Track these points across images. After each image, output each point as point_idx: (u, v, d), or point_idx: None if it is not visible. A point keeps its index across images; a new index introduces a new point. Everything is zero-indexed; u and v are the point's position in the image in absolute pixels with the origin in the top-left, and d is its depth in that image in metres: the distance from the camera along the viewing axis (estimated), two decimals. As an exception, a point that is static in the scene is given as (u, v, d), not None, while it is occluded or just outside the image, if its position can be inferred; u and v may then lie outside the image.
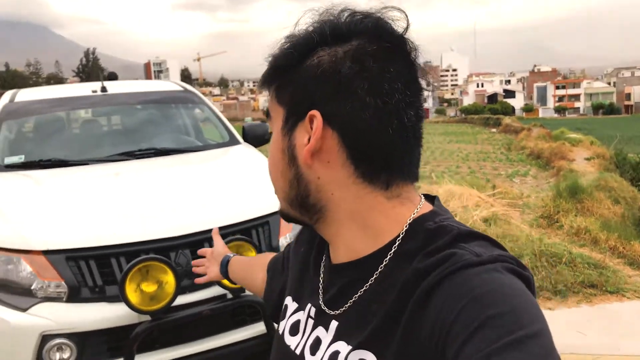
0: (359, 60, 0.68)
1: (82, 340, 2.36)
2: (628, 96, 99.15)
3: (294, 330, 0.82)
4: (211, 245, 2.52)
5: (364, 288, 0.72)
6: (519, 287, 0.60)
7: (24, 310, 2.34)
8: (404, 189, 0.73)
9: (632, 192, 8.87)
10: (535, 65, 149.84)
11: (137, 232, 2.52)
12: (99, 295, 2.41)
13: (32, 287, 2.37)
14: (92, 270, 2.42)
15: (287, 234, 2.85)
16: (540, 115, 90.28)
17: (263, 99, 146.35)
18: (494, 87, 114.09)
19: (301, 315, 0.82)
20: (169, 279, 2.34)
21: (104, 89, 4.17)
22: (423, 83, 0.74)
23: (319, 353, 0.74)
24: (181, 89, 4.59)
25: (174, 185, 3.07)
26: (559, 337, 0.59)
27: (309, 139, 0.70)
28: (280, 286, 1.00)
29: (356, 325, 0.70)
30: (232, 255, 1.37)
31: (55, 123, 3.99)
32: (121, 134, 4.07)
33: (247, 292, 2.56)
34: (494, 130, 35.89)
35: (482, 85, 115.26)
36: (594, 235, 5.84)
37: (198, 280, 1.53)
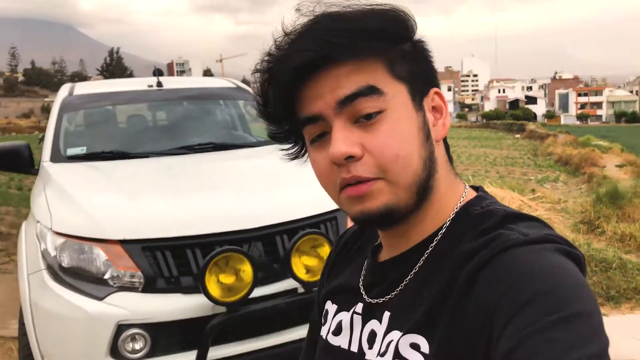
0: (430, 53, 0.74)
1: (156, 331, 2.35)
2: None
3: (338, 330, 0.80)
4: (282, 239, 2.53)
5: (412, 273, 0.71)
6: (569, 267, 0.58)
7: (101, 299, 2.34)
8: (453, 169, 0.77)
9: (671, 200, 8.69)
10: (556, 72, 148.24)
11: (212, 223, 2.51)
12: (174, 286, 2.40)
13: (107, 277, 2.37)
14: (168, 261, 2.41)
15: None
16: (562, 122, 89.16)
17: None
18: (516, 93, 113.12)
19: (344, 316, 0.80)
20: (247, 270, 2.33)
21: (159, 84, 4.19)
22: None
23: (376, 345, 0.72)
24: (233, 85, 4.60)
25: (242, 179, 3.06)
26: (614, 343, 0.54)
27: (432, 116, 0.72)
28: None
29: (407, 311, 0.69)
30: None
31: (113, 116, 4.03)
32: (178, 128, 4.08)
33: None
34: (517, 136, 35.50)
35: (504, 91, 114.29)
36: (639, 241, 5.72)
37: None
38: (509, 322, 0.54)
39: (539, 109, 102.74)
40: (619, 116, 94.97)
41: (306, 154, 0.78)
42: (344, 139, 0.65)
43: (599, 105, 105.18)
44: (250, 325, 2.48)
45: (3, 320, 4.03)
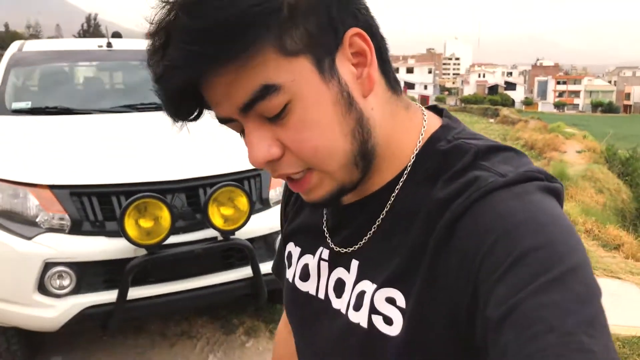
0: None
1: (81, 269, 2.55)
2: (628, 96, 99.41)
3: (305, 275, 0.76)
4: (206, 192, 2.72)
5: (378, 221, 0.66)
6: (554, 211, 0.54)
7: (29, 239, 2.52)
8: (406, 98, 0.68)
9: (617, 185, 9.11)
10: (538, 59, 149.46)
11: (138, 173, 2.70)
12: (99, 230, 2.60)
13: (36, 219, 2.55)
14: (94, 206, 2.60)
15: (277, 187, 3.04)
16: (540, 109, 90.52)
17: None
18: (496, 78, 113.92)
19: (309, 259, 0.76)
20: (165, 216, 2.53)
21: (109, 45, 4.31)
22: None
23: (345, 295, 0.68)
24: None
25: (175, 136, 3.23)
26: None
27: (354, 66, 0.60)
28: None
29: (379, 261, 0.64)
30: None
31: (60, 74, 4.14)
32: (124, 88, 4.22)
33: (237, 236, 2.76)
34: (491, 120, 36.06)
35: (484, 76, 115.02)
36: (572, 218, 6.05)
37: None
38: (497, 283, 0.50)
39: (518, 95, 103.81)
40: (596, 106, 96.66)
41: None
42: (258, 142, 0.59)
43: (576, 94, 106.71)
44: (170, 268, 2.70)
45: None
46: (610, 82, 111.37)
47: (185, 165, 2.82)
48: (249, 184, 2.94)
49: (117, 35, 5.91)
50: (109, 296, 2.56)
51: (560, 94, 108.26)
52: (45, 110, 3.56)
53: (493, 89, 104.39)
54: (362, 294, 0.65)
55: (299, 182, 0.63)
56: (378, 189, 0.67)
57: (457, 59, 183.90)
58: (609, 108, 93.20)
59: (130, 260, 2.54)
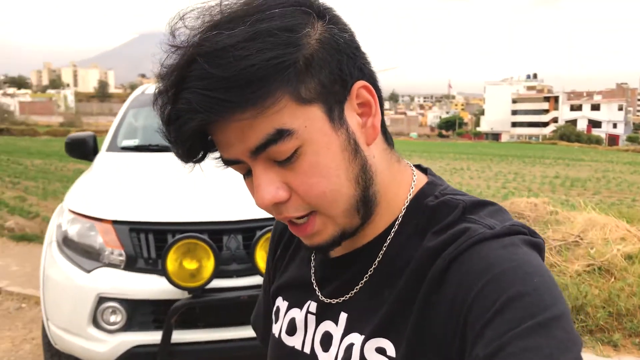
0: (347, 27, 0.65)
1: (132, 307, 2.52)
2: None
3: (292, 329, 0.77)
4: (256, 234, 2.55)
5: (369, 273, 0.68)
6: (538, 262, 0.57)
7: (88, 272, 2.57)
8: (396, 152, 0.72)
9: None
10: None
11: (194, 212, 2.64)
12: (151, 268, 2.56)
13: (97, 252, 2.60)
14: (149, 243, 2.58)
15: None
16: None
17: (432, 115, 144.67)
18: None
19: (297, 313, 0.77)
20: (209, 258, 2.40)
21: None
22: None
23: (333, 348, 0.69)
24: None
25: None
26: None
27: (359, 116, 0.64)
28: (266, 306, 0.92)
29: (368, 313, 0.66)
30: None
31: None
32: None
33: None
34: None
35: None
36: None
37: None
38: (485, 327, 0.52)
39: None
40: None
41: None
42: (267, 185, 0.60)
43: None
44: (217, 313, 2.55)
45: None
46: None
47: (244, 206, 2.69)
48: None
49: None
50: (158, 337, 2.49)
51: None
52: (149, 148, 3.74)
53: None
54: (350, 347, 0.66)
55: (302, 227, 0.64)
56: (368, 241, 0.69)
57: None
58: None
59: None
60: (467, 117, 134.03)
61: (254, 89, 0.54)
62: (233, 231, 2.60)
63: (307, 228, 0.64)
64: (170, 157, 3.06)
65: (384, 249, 0.67)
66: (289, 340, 0.77)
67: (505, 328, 0.51)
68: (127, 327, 2.52)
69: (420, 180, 0.71)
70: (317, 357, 0.71)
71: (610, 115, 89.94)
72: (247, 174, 0.64)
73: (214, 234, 2.59)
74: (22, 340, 3.71)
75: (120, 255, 2.58)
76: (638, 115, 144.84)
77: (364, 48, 0.66)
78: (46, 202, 9.69)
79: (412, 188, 0.69)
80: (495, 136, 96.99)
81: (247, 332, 2.55)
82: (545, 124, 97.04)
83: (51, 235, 2.89)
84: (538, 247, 0.60)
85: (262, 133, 0.57)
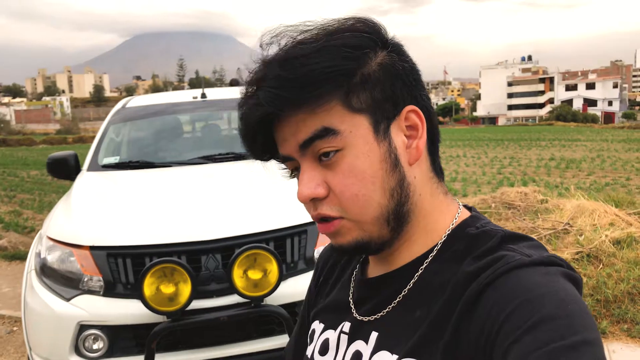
0: (408, 59, 0.71)
1: (113, 333, 2.52)
2: None
3: (324, 349, 0.79)
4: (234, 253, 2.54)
5: (403, 293, 0.70)
6: (574, 292, 0.58)
7: (67, 300, 2.57)
8: (444, 186, 0.75)
9: None
10: None
11: (171, 234, 2.62)
12: (131, 292, 2.55)
13: (76, 279, 2.59)
14: (127, 268, 2.57)
15: (325, 244, 2.75)
16: None
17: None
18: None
19: (331, 334, 0.79)
20: (186, 282, 2.40)
21: (203, 96, 4.43)
22: None
23: None
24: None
25: (223, 191, 3.15)
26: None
27: (406, 137, 0.69)
28: (297, 335, 0.95)
29: (400, 333, 0.68)
30: None
31: (150, 127, 4.33)
32: (207, 138, 4.29)
33: (268, 302, 2.53)
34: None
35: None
36: None
37: None
38: (513, 343, 0.54)
39: None
40: None
41: None
42: (308, 181, 0.67)
43: None
44: (201, 335, 2.55)
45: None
46: None
47: (221, 224, 2.68)
48: (291, 242, 2.70)
49: (235, 83, 6.14)
50: (142, 362, 2.49)
51: None
52: (129, 165, 3.72)
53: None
54: None
55: (327, 224, 0.69)
56: (406, 263, 0.72)
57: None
58: None
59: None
60: (463, 103, 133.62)
61: (310, 90, 0.63)
62: (211, 250, 2.59)
63: (330, 226, 0.69)
64: (150, 174, 3.06)
65: (420, 271, 0.69)
66: None
67: (533, 347, 0.52)
68: (110, 353, 2.52)
69: (465, 214, 0.74)
70: None
71: (605, 93, 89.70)
72: (293, 172, 0.73)
73: (192, 254, 2.58)
74: (15, 364, 3.71)
75: (99, 281, 2.58)
76: (634, 92, 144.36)
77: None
78: (42, 216, 9.69)
79: (456, 219, 0.72)
80: (492, 120, 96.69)
81: (229, 350, 2.56)
82: (541, 105, 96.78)
83: (30, 263, 2.89)
84: (575, 281, 0.61)
85: (311, 129, 0.65)
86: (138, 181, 3.44)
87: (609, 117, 78.43)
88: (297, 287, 2.62)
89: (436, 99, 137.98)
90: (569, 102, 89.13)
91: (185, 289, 2.40)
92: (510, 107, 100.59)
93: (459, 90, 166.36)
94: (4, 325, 4.28)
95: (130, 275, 2.56)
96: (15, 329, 4.20)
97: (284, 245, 2.68)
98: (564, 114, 71.58)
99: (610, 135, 35.01)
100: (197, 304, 2.48)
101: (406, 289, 0.70)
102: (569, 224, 5.52)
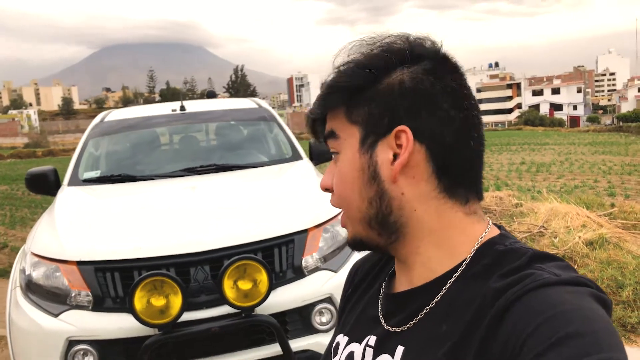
0: (440, 78, 0.72)
1: (103, 347, 2.51)
2: None
3: None
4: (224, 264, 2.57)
5: (430, 306, 0.71)
6: (601, 313, 0.58)
7: (55, 316, 2.55)
8: (477, 206, 0.76)
9: None
10: None
11: (159, 247, 2.63)
12: (120, 306, 2.55)
13: (63, 295, 2.58)
14: (116, 282, 2.57)
15: (312, 253, 2.80)
16: None
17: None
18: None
19: (356, 347, 0.81)
20: (177, 295, 2.41)
21: (182, 108, 4.44)
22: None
23: None
24: (256, 106, 4.74)
25: (208, 203, 3.17)
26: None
27: (394, 155, 0.72)
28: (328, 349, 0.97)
29: (426, 347, 0.69)
30: None
31: (131, 141, 4.33)
32: (188, 151, 4.30)
33: (264, 310, 2.56)
34: (651, 140, 32.04)
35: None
36: None
37: None
38: (538, 357, 0.54)
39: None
40: None
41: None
42: (326, 173, 0.80)
43: None
44: (193, 347, 2.56)
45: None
46: None
47: (208, 236, 2.70)
48: (279, 252, 2.74)
49: (211, 94, 6.13)
50: (132, 375, 2.48)
51: None
52: (111, 179, 3.70)
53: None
54: None
55: (341, 216, 0.80)
56: (433, 278, 0.73)
57: (612, 74, 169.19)
58: None
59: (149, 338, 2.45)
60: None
61: (328, 99, 0.76)
62: (200, 262, 2.61)
63: (341, 219, 0.80)
64: (133, 187, 3.07)
65: (448, 284, 0.71)
66: None
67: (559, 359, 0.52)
68: (100, 368, 2.51)
69: (493, 232, 0.75)
70: None
71: (570, 98, 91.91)
72: None
73: (181, 266, 2.59)
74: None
75: (87, 295, 2.57)
76: (596, 96, 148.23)
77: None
78: (14, 231, 9.49)
79: (482, 237, 0.73)
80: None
81: (221, 361, 2.57)
82: (510, 111, 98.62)
83: (15, 280, 2.86)
84: (604, 303, 0.61)
85: (328, 128, 0.78)
86: (122, 195, 3.43)
87: (574, 121, 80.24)
88: (286, 297, 2.66)
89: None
90: (536, 107, 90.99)
91: (176, 301, 2.41)
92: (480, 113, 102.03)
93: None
94: (-16, 345, 4.18)
95: (119, 289, 2.56)
96: (-5, 348, 4.11)
97: (272, 255, 2.72)
98: (532, 118, 73.00)
99: (576, 138, 35.86)
100: (187, 316, 2.50)
101: (433, 303, 0.71)
102: (543, 226, 5.68)
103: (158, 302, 2.41)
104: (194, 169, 3.78)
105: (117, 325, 2.50)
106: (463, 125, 0.72)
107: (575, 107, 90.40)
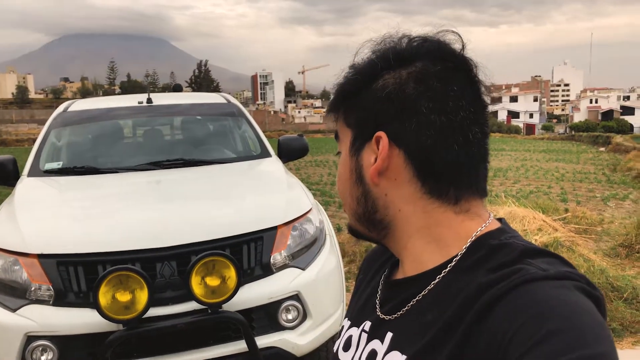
0: (422, 81, 0.72)
1: (64, 343, 2.44)
2: None
3: (347, 345, 0.84)
4: (191, 260, 2.54)
5: (418, 297, 0.73)
6: (588, 306, 0.58)
7: (13, 310, 2.47)
8: (473, 204, 0.76)
9: None
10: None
11: (125, 241, 2.58)
12: (82, 301, 2.49)
13: (23, 289, 2.50)
14: (79, 276, 2.51)
15: (281, 250, 2.80)
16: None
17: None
18: (610, 103, 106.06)
19: (354, 331, 0.84)
20: (143, 290, 2.37)
21: (149, 101, 4.35)
22: (487, 100, 0.78)
23: None
24: (224, 101, 4.69)
25: (175, 197, 3.12)
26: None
27: (375, 159, 0.74)
28: None
29: (411, 335, 0.71)
30: None
31: (95, 132, 4.22)
32: (155, 144, 4.23)
33: (231, 306, 2.54)
34: (602, 149, 33.30)
35: (596, 101, 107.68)
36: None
37: None
38: (524, 355, 0.54)
39: (637, 120, 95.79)
40: None
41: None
42: (339, 167, 0.83)
43: None
44: (157, 343, 2.52)
45: None
46: None
47: (176, 231, 2.66)
48: (247, 249, 2.73)
49: (178, 88, 6.04)
50: (94, 372, 2.43)
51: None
52: (74, 170, 3.60)
53: (607, 114, 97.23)
54: None
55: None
56: (424, 271, 0.74)
57: (567, 85, 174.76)
58: None
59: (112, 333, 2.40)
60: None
61: (331, 103, 0.81)
62: (166, 258, 2.57)
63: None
64: (97, 180, 3.01)
65: (438, 278, 0.72)
66: (342, 356, 0.84)
67: (543, 359, 0.52)
68: (60, 364, 2.44)
69: (492, 226, 0.75)
70: None
71: (527, 106, 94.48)
72: None
73: (146, 262, 2.55)
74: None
75: (49, 290, 2.50)
76: (551, 106, 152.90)
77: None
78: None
79: (478, 232, 0.73)
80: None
81: (186, 357, 2.55)
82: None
83: (-29, 272, 2.75)
84: (594, 298, 0.61)
85: (336, 130, 0.82)
86: (85, 187, 3.34)
87: (530, 129, 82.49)
88: (253, 293, 2.65)
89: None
90: (495, 113, 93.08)
91: (142, 297, 2.37)
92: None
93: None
94: None
95: (82, 284, 2.50)
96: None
97: (240, 252, 2.70)
98: (489, 125, 74.68)
99: (532, 145, 36.87)
100: (153, 312, 2.46)
101: (421, 294, 0.73)
102: (502, 229, 5.81)
103: (123, 297, 2.37)
104: (160, 162, 3.71)
105: (80, 320, 2.45)
106: (445, 129, 0.71)
107: (531, 116, 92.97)
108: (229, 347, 2.60)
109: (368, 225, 0.79)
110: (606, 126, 75.79)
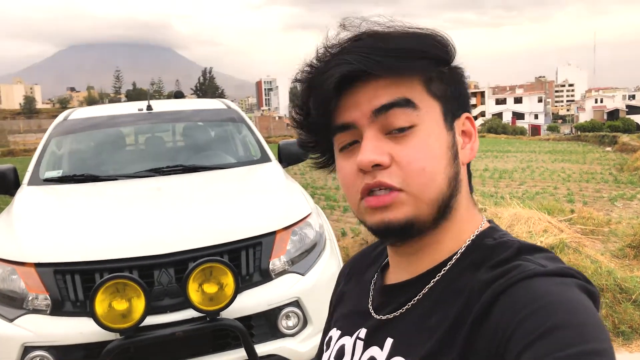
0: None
1: (62, 353, 2.42)
2: None
3: (339, 356, 0.80)
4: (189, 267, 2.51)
5: (418, 297, 0.71)
6: (587, 304, 0.58)
7: (10, 320, 2.45)
8: (473, 201, 0.77)
9: None
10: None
11: (122, 249, 2.56)
12: (80, 310, 2.47)
13: (20, 299, 2.48)
14: (76, 285, 2.48)
15: (280, 255, 2.77)
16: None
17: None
18: (616, 102, 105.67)
19: (347, 340, 0.80)
20: (140, 298, 2.34)
21: (149, 108, 4.35)
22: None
23: None
24: (224, 107, 4.68)
25: (174, 204, 3.10)
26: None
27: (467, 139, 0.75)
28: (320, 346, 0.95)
29: (414, 339, 0.68)
30: None
31: (95, 140, 4.22)
32: (154, 151, 4.22)
33: (229, 314, 2.51)
34: (608, 149, 33.10)
35: (602, 101, 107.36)
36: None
37: None
38: (524, 350, 0.54)
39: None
40: None
41: (333, 165, 0.80)
42: (373, 148, 0.67)
43: None
44: (156, 352, 2.49)
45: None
46: None
47: (173, 238, 2.64)
48: (246, 255, 2.70)
49: (179, 95, 6.04)
50: (92, 382, 2.40)
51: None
52: (73, 178, 3.59)
53: (613, 114, 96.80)
54: None
55: (381, 197, 0.67)
56: (424, 271, 0.72)
57: (571, 85, 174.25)
58: None
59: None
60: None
61: (401, 62, 0.66)
62: (164, 265, 2.54)
63: (386, 198, 0.67)
64: (96, 188, 2.99)
65: (437, 278, 0.70)
66: None
67: (543, 353, 0.52)
68: (57, 374, 2.42)
69: (485, 224, 0.76)
70: None
71: (532, 107, 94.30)
72: (344, 147, 0.72)
73: (144, 269, 2.52)
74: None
75: (46, 299, 2.48)
76: (556, 106, 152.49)
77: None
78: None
79: (479, 229, 0.74)
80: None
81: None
82: (474, 118, 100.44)
83: (-31, 282, 2.73)
84: (591, 294, 0.61)
85: (393, 95, 0.67)
86: (84, 195, 3.33)
87: (535, 130, 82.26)
88: (252, 300, 2.62)
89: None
90: (499, 115, 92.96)
91: (139, 305, 2.34)
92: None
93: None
94: None
95: (79, 293, 2.48)
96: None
97: (238, 258, 2.67)
98: (495, 126, 74.50)
99: (537, 146, 36.67)
100: (150, 320, 2.43)
101: (421, 294, 0.71)
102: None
103: (120, 305, 2.34)
104: (160, 169, 3.70)
105: (77, 330, 2.42)
106: None
107: (536, 116, 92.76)
108: (229, 356, 2.57)
109: (443, 211, 0.70)
110: (612, 126, 75.39)
